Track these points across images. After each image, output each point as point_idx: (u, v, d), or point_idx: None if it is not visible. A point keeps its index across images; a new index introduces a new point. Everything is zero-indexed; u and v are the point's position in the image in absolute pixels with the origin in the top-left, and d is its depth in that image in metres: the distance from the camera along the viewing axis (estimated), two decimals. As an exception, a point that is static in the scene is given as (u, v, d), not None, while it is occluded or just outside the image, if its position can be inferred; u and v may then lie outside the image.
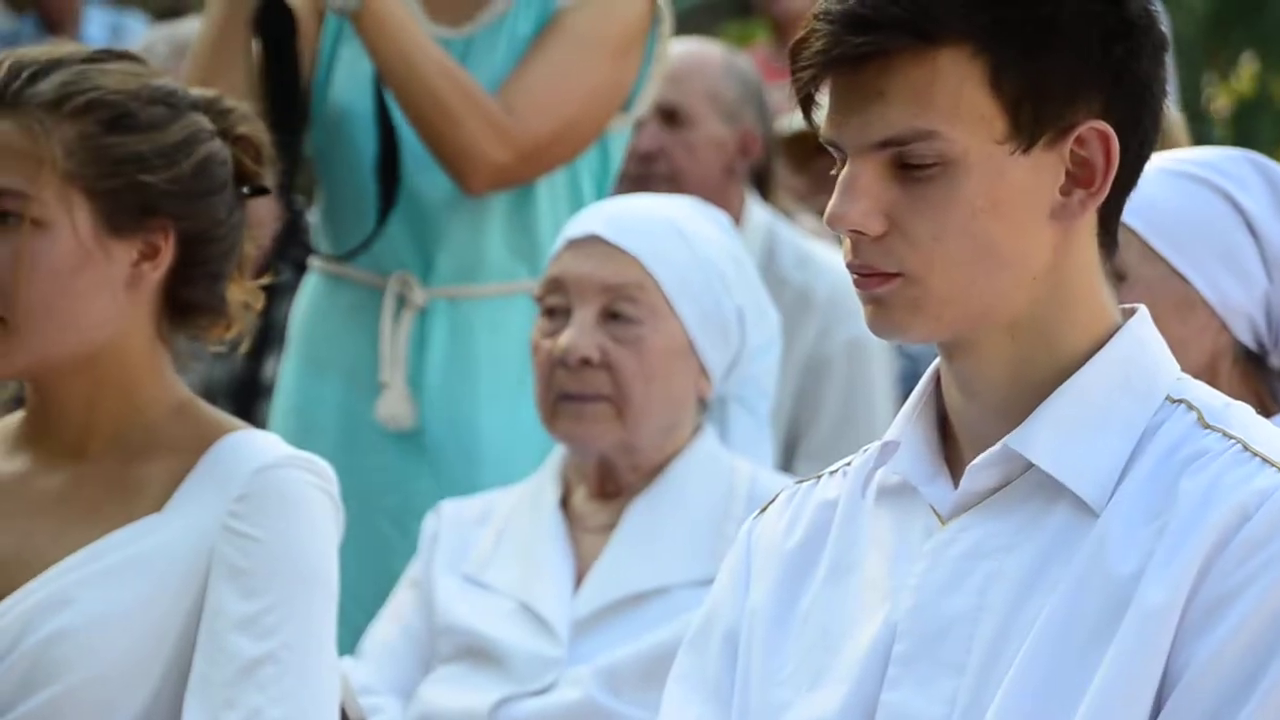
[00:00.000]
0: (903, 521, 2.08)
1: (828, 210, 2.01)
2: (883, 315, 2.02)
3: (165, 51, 4.01)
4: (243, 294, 2.49)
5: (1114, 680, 1.93)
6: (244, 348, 2.57)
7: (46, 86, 2.37)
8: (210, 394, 3.90)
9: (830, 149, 2.04)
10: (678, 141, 4.45)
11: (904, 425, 2.08)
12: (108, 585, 2.37)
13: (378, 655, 3.01)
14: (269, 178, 2.52)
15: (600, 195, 3.62)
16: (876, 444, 2.12)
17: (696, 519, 2.98)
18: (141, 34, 8.20)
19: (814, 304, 4.36)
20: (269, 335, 4.00)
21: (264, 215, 3.65)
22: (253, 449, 2.43)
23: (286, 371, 3.69)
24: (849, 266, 2.02)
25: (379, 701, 2.91)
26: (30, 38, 8.12)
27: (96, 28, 8.37)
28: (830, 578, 2.12)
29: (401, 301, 3.56)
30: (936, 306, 1.99)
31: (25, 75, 2.38)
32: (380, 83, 3.51)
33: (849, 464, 2.18)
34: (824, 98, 2.02)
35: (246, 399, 4.05)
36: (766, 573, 2.17)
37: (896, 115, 1.97)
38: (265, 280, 2.55)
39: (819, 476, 2.21)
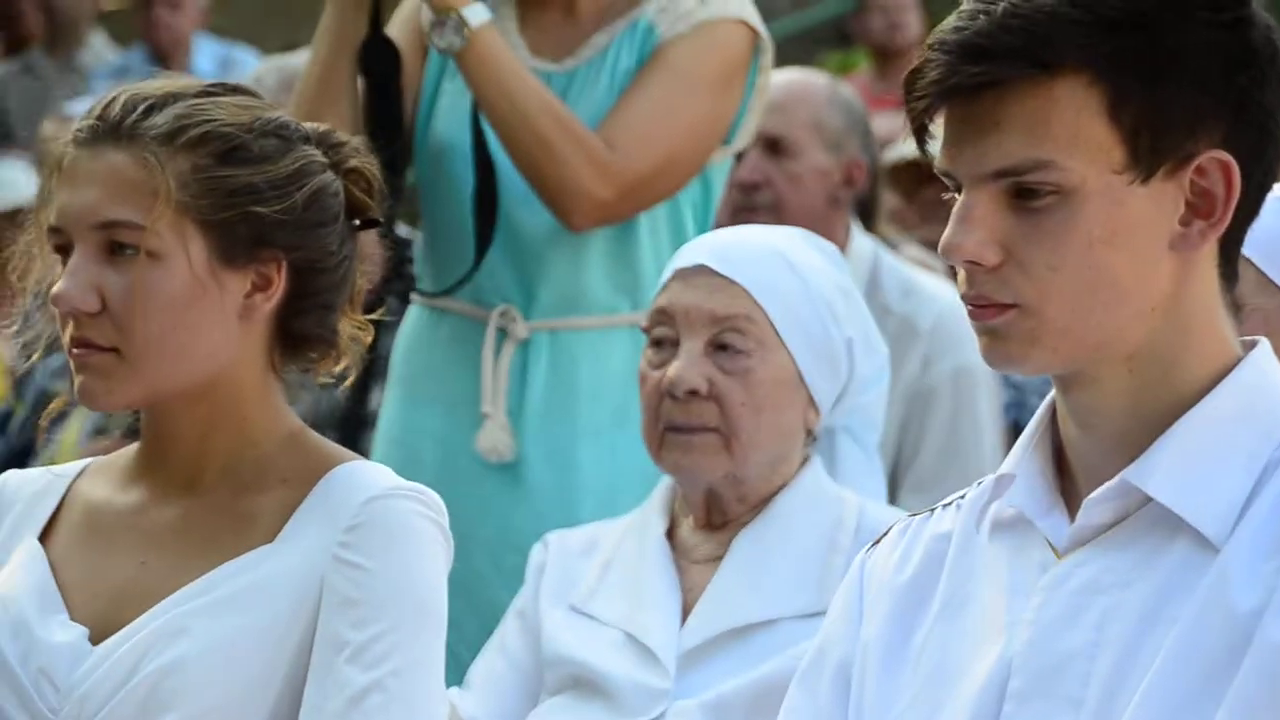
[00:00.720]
0: (1018, 555, 2.06)
1: (943, 240, 1.99)
2: (998, 347, 1.99)
3: (274, 84, 4.02)
4: (353, 326, 2.49)
5: (1236, 717, 1.90)
6: (350, 380, 2.57)
7: (161, 119, 2.37)
8: (317, 425, 3.91)
9: (945, 179, 2.02)
10: (781, 172, 4.43)
11: (1020, 458, 2.06)
12: (222, 616, 2.36)
13: (484, 686, 3.00)
14: (380, 211, 2.53)
15: (702, 227, 3.61)
16: (991, 477, 2.10)
17: (804, 551, 2.96)
18: (251, 66, 8.27)
19: (918, 333, 4.33)
20: (374, 367, 4.00)
21: (369, 249, 3.67)
22: (363, 479, 2.42)
23: (388, 403, 3.70)
24: (964, 298, 2.00)
25: (489, 728, 2.91)
26: (139, 70, 8.18)
27: (206, 60, 8.42)
28: (944, 612, 2.10)
29: (503, 334, 3.56)
30: (1053, 338, 1.96)
31: (141, 109, 2.38)
32: (478, 117, 3.52)
33: (963, 497, 2.16)
34: (938, 128, 2.01)
35: (352, 430, 4.05)
36: (879, 606, 2.15)
37: (1013, 145, 1.95)
38: (376, 315, 2.55)
39: (932, 510, 2.19)
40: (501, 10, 3.60)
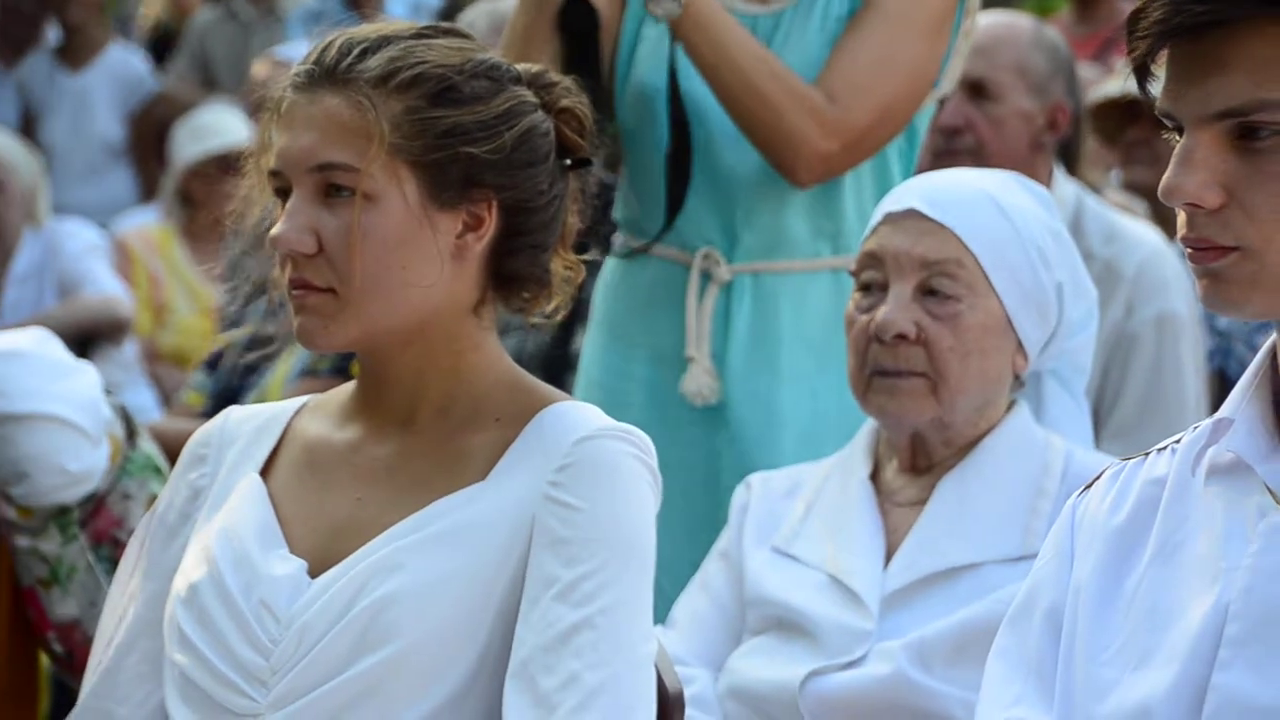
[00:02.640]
0: (1235, 501, 2.04)
1: (1163, 182, 1.97)
2: (1217, 290, 1.97)
3: (486, 27, 4.04)
4: (564, 266, 2.50)
5: None
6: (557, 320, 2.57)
7: (375, 63, 2.39)
8: (522, 366, 3.94)
9: (1165, 120, 2.00)
10: (984, 115, 4.40)
11: (1239, 402, 2.04)
12: (435, 552, 2.38)
13: (688, 626, 3.00)
14: (591, 150, 2.53)
15: (906, 172, 3.59)
16: (1208, 421, 2.08)
17: (1010, 495, 2.93)
18: (436, 11, 8.31)
19: (1121, 279, 4.29)
20: (577, 310, 4.02)
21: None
22: (574, 419, 2.43)
23: (590, 346, 3.70)
24: (1183, 240, 1.97)
25: (690, 672, 2.90)
26: (334, 15, 8.24)
27: (399, 5, 8.47)
28: (1158, 556, 2.09)
29: (706, 277, 3.55)
30: (1275, 282, 1.94)
31: (355, 52, 2.39)
32: (674, 64, 3.51)
33: (1178, 441, 2.13)
34: (1160, 68, 1.99)
35: (556, 372, 4.06)
36: (1091, 550, 2.14)
37: (1238, 85, 1.92)
38: (587, 256, 2.55)
39: (1145, 454, 2.17)
40: None
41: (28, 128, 8.38)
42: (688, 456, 3.47)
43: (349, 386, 2.51)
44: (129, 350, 6.65)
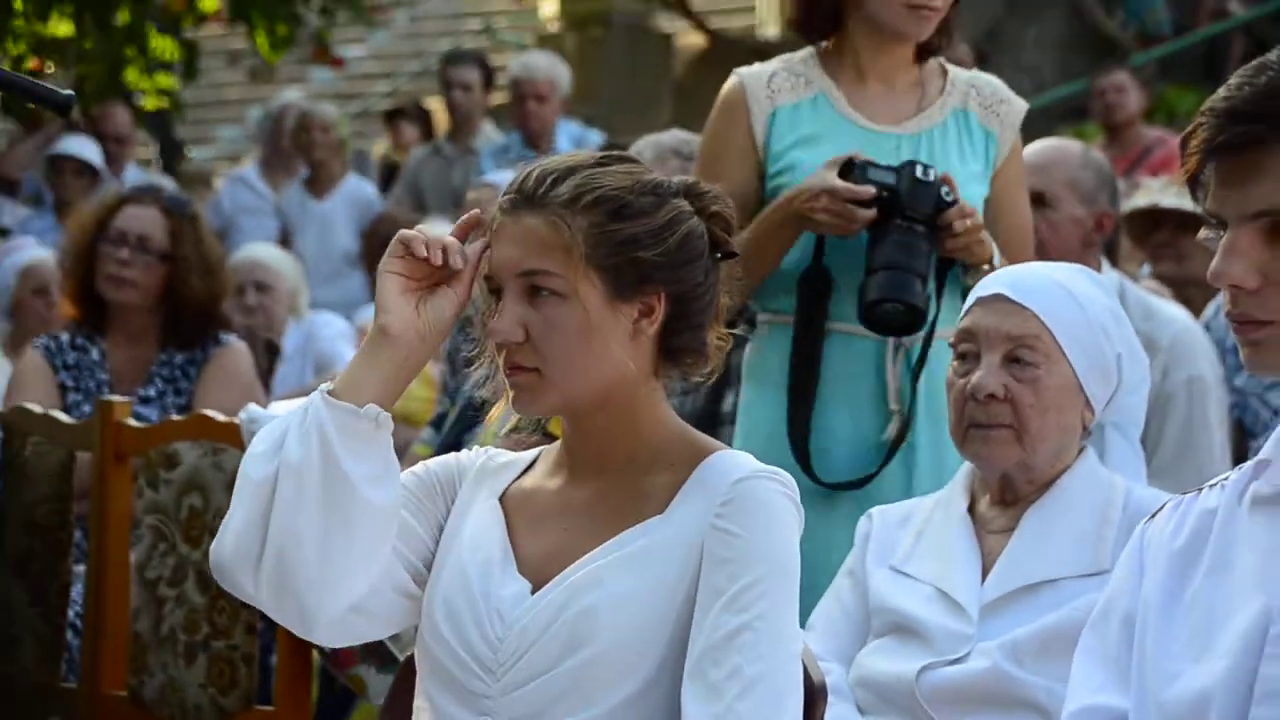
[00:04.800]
0: (1275, 524, 2.02)
1: (1211, 268, 1.95)
2: (1258, 357, 1.96)
3: (651, 156, 4.07)
4: (717, 338, 2.48)
5: None
6: (709, 383, 2.55)
7: (565, 189, 2.38)
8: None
9: (1212, 219, 1.98)
10: (1044, 220, 4.36)
11: (1275, 447, 2.01)
12: (627, 571, 2.37)
13: (824, 629, 2.99)
14: (737, 246, 2.52)
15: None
16: (1250, 462, 2.07)
17: (1081, 523, 2.90)
18: (596, 144, 8.34)
19: (1158, 348, 4.23)
20: (726, 375, 4.01)
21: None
22: (733, 464, 2.41)
23: (766, 405, 3.61)
24: (1229, 315, 1.95)
25: (826, 666, 2.87)
26: (517, 150, 8.31)
27: (565, 140, 8.52)
28: (1211, 571, 2.06)
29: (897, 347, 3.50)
30: None
31: (549, 181, 2.39)
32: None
33: (1226, 479, 2.11)
34: (1207, 178, 1.97)
35: (710, 426, 4.04)
36: (1157, 567, 2.12)
37: (1272, 190, 1.91)
38: (737, 331, 2.53)
39: (1199, 490, 2.14)
40: (831, 93, 3.57)
41: (285, 242, 8.47)
42: (887, 490, 3.39)
43: (558, 444, 2.51)
44: (373, 410, 6.68)
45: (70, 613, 3.81)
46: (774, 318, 3.62)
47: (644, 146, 4.15)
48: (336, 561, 2.36)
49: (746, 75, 3.61)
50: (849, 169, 3.41)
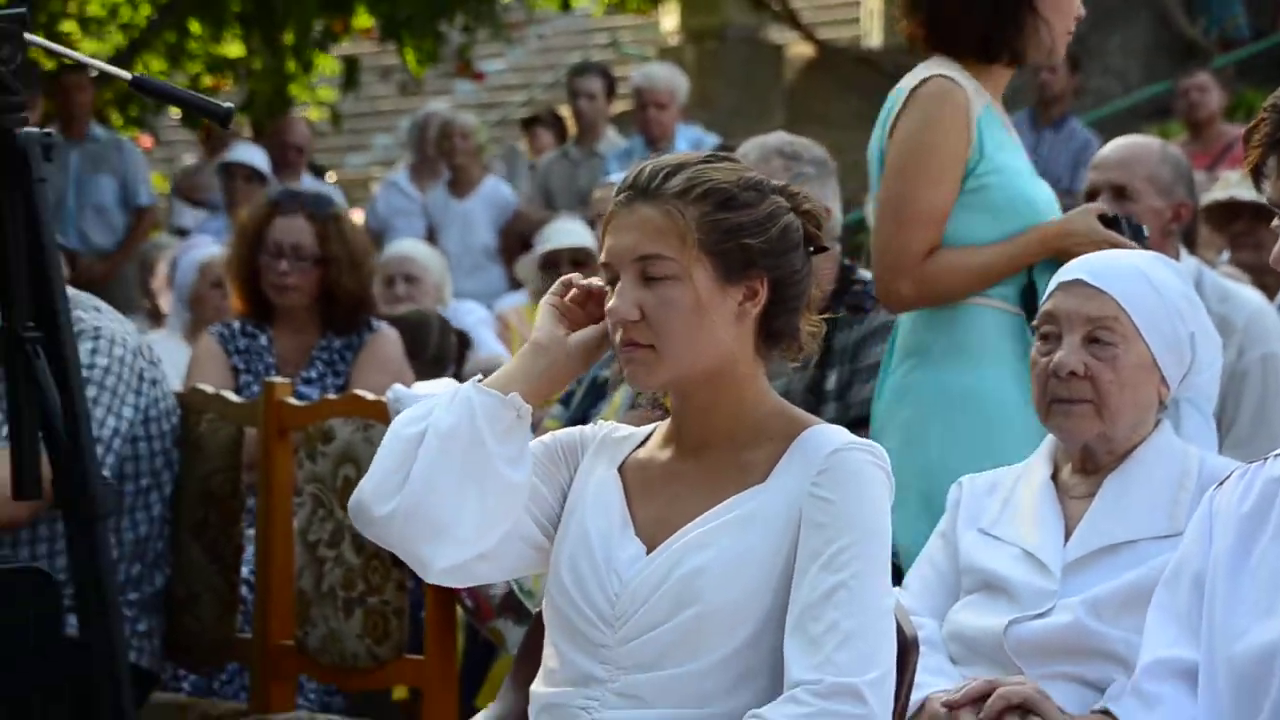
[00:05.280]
0: None
1: (1274, 253, 1.91)
2: None
3: (756, 157, 4.03)
4: (810, 326, 2.46)
5: None
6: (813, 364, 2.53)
7: (677, 181, 2.38)
8: (791, 399, 3.91)
9: (1276, 208, 1.94)
10: (1126, 212, 4.29)
11: None
12: (730, 535, 2.36)
13: (918, 588, 2.95)
14: (827, 242, 2.50)
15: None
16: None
17: (1158, 489, 2.85)
18: (712, 146, 8.33)
19: (1234, 329, 4.15)
20: (828, 356, 3.98)
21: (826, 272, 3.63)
22: (829, 437, 2.41)
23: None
24: None
25: (921, 621, 2.85)
26: (639, 153, 8.31)
27: (684, 143, 8.51)
28: (1277, 535, 2.03)
29: None
30: None
31: (662, 174, 2.39)
32: None
33: None
34: (1269, 169, 1.93)
35: (815, 405, 4.02)
36: (1226, 532, 2.09)
37: None
38: (826, 315, 2.51)
39: (1265, 459, 2.10)
40: (992, 105, 3.52)
41: (431, 238, 8.52)
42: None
43: (668, 421, 2.50)
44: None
45: (243, 571, 3.84)
46: (1002, 305, 3.51)
47: (750, 148, 4.11)
48: (464, 521, 2.37)
49: (957, 78, 3.47)
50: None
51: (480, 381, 2.41)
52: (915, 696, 2.69)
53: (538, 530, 2.46)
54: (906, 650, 2.40)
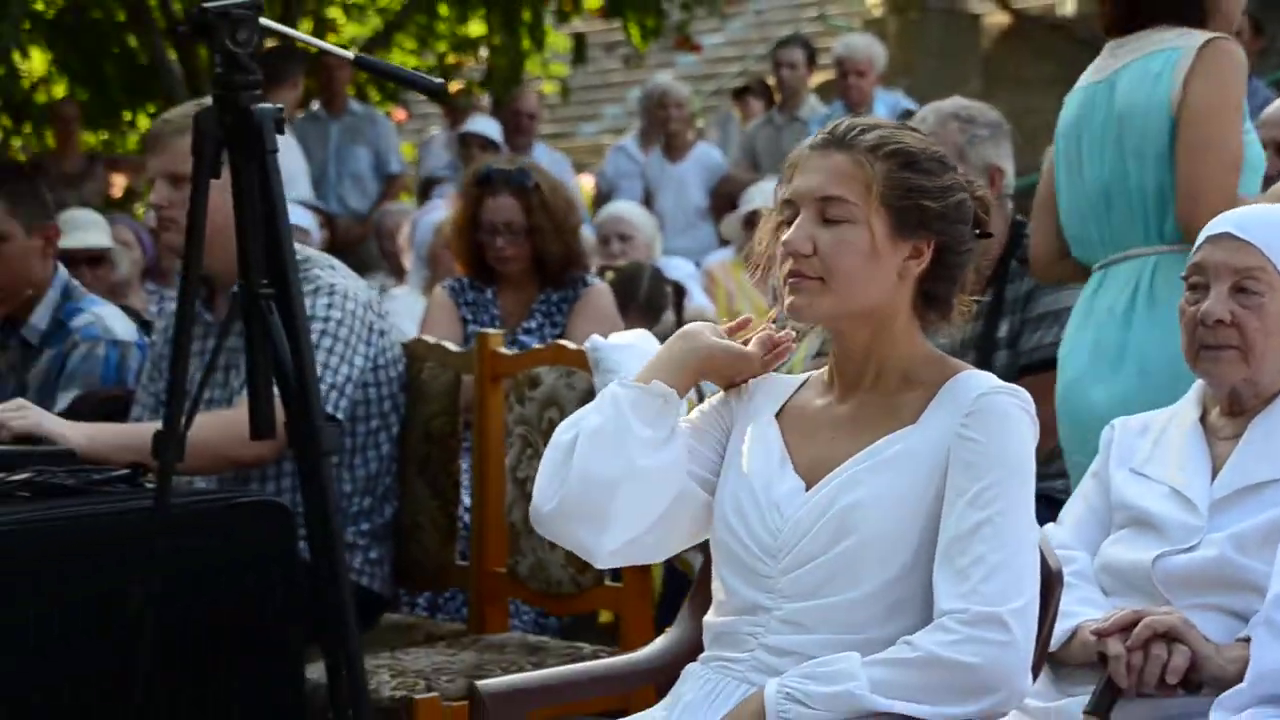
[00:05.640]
0: None
1: None
2: None
3: (934, 121, 4.00)
4: (963, 303, 2.46)
5: None
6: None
7: (870, 136, 2.39)
8: (964, 345, 3.89)
9: None
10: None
11: None
12: (883, 473, 2.36)
13: (1071, 524, 2.90)
14: (994, 228, 2.51)
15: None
16: None
17: (1303, 430, 2.77)
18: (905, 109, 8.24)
19: None
20: (1000, 306, 3.94)
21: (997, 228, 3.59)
22: (976, 382, 2.39)
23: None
24: None
25: (1074, 554, 2.82)
26: (839, 115, 8.23)
27: (882, 108, 8.45)
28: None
29: None
30: None
31: (857, 129, 2.41)
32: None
33: None
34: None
35: (988, 351, 3.98)
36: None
37: None
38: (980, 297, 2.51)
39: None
40: None
41: (647, 200, 8.58)
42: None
43: (824, 369, 2.50)
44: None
45: (461, 505, 3.92)
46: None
47: (927, 112, 4.07)
48: (621, 507, 2.40)
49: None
50: None
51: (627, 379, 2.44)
52: (1066, 625, 2.67)
53: (700, 489, 2.47)
54: (1050, 582, 2.37)
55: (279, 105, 2.79)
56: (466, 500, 3.97)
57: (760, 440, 2.46)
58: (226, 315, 2.92)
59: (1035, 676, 2.32)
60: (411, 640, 3.72)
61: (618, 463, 2.39)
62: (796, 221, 2.39)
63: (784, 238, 2.39)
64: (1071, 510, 2.93)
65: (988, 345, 3.95)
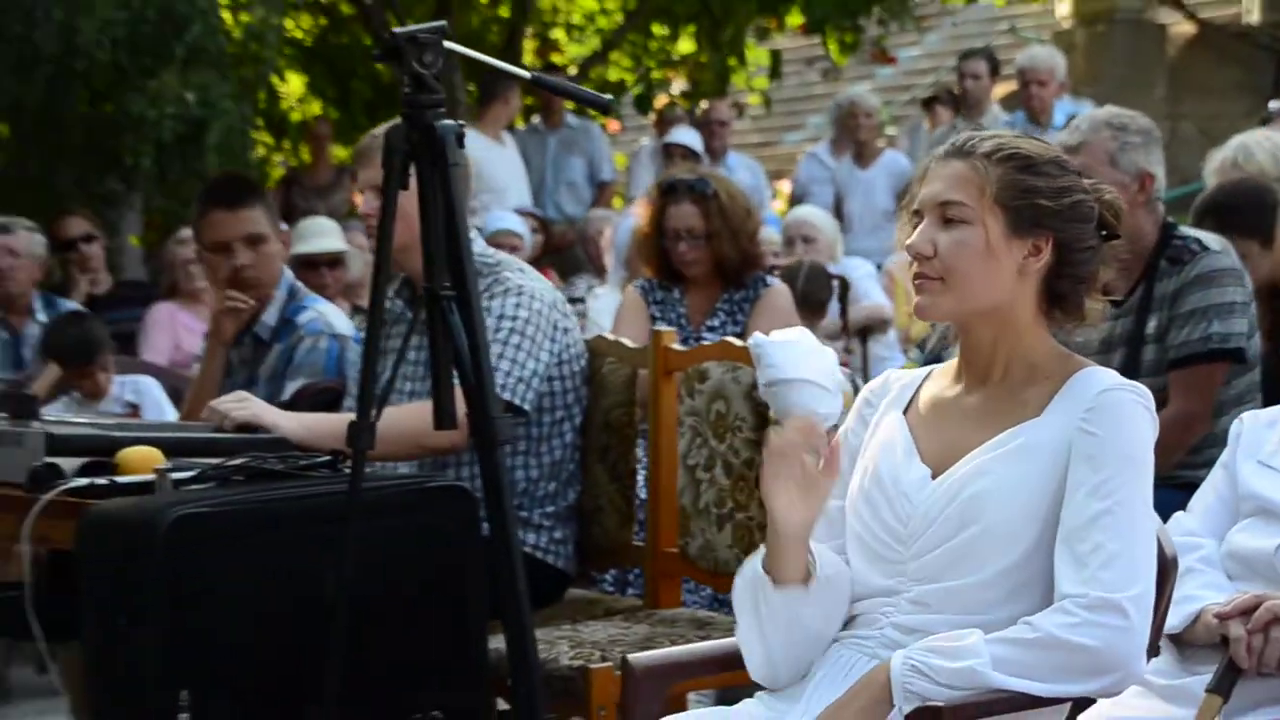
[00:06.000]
0: None
1: None
2: None
3: (1087, 126, 3.91)
4: (1096, 302, 2.40)
5: None
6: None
7: (987, 145, 2.37)
8: (1111, 343, 3.79)
9: None
10: None
11: None
12: (1008, 463, 2.33)
13: (1200, 512, 2.82)
14: (1144, 230, 2.45)
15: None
16: None
17: None
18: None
19: None
20: (1149, 302, 3.84)
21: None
22: (1099, 379, 2.35)
23: None
24: None
25: (1200, 541, 2.75)
26: (1022, 124, 8.08)
27: (1060, 114, 8.26)
28: None
29: None
30: None
31: (976, 139, 2.38)
32: None
33: None
34: None
35: (1137, 346, 3.88)
36: None
37: None
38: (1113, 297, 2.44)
39: None
40: None
41: (838, 204, 8.55)
42: None
43: (954, 360, 2.47)
44: (891, 335, 6.70)
45: (637, 490, 3.94)
46: None
47: (1082, 119, 3.98)
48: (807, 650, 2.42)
49: None
50: None
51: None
52: (1191, 609, 2.61)
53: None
54: (1166, 570, 2.32)
55: (460, 123, 2.84)
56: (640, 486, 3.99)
57: (888, 437, 2.44)
58: (414, 315, 2.98)
59: (1149, 658, 2.26)
60: (592, 614, 3.75)
61: (796, 646, 2.40)
62: (920, 226, 2.36)
63: (907, 242, 2.37)
64: (1201, 499, 2.85)
65: (1136, 340, 3.85)
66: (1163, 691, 2.60)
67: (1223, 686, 2.54)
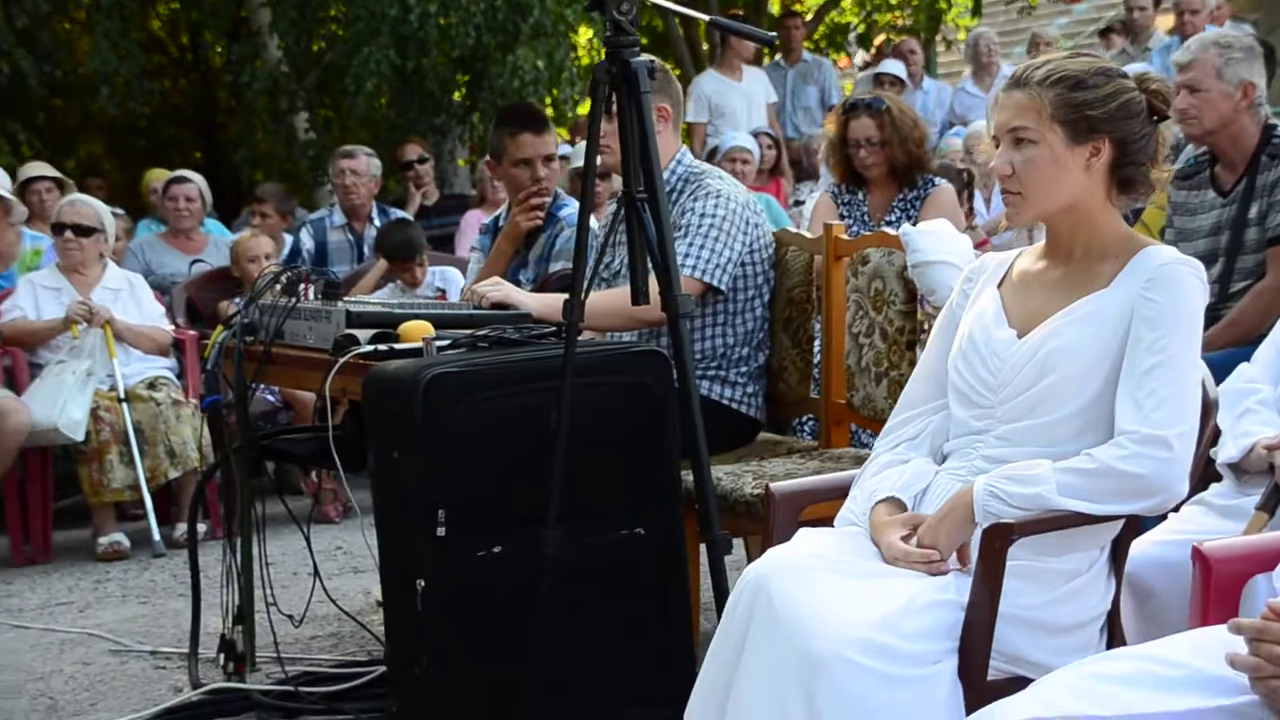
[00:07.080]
0: None
1: None
2: None
3: (1196, 46, 3.68)
4: (1161, 173, 2.31)
5: None
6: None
7: (1040, 73, 2.30)
8: (1219, 225, 3.58)
9: None
10: None
11: None
12: (1080, 325, 2.28)
13: (1262, 362, 2.69)
14: (1247, 130, 2.33)
15: None
16: None
17: None
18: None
19: None
20: (1252, 191, 3.61)
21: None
22: (1159, 254, 2.27)
23: None
24: None
25: (1259, 386, 2.63)
26: (1177, 48, 7.57)
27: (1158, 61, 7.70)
28: None
29: None
30: None
31: (1031, 68, 2.32)
32: None
33: None
34: None
35: (1240, 229, 3.65)
36: None
37: None
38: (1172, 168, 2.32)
39: None
40: None
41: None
42: None
43: (1041, 242, 2.41)
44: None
45: (813, 353, 3.93)
46: None
47: (1193, 40, 3.77)
48: None
49: None
50: None
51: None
52: (1246, 442, 2.52)
53: None
54: (1208, 410, 2.25)
55: (651, 59, 2.85)
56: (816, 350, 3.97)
57: (984, 306, 2.41)
58: (614, 212, 3.02)
59: (1192, 484, 2.18)
60: (776, 453, 3.77)
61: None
62: (999, 150, 2.32)
63: (989, 165, 2.33)
64: (1264, 351, 2.71)
65: (1241, 223, 3.65)
66: (1222, 510, 2.54)
67: (1269, 505, 2.46)
